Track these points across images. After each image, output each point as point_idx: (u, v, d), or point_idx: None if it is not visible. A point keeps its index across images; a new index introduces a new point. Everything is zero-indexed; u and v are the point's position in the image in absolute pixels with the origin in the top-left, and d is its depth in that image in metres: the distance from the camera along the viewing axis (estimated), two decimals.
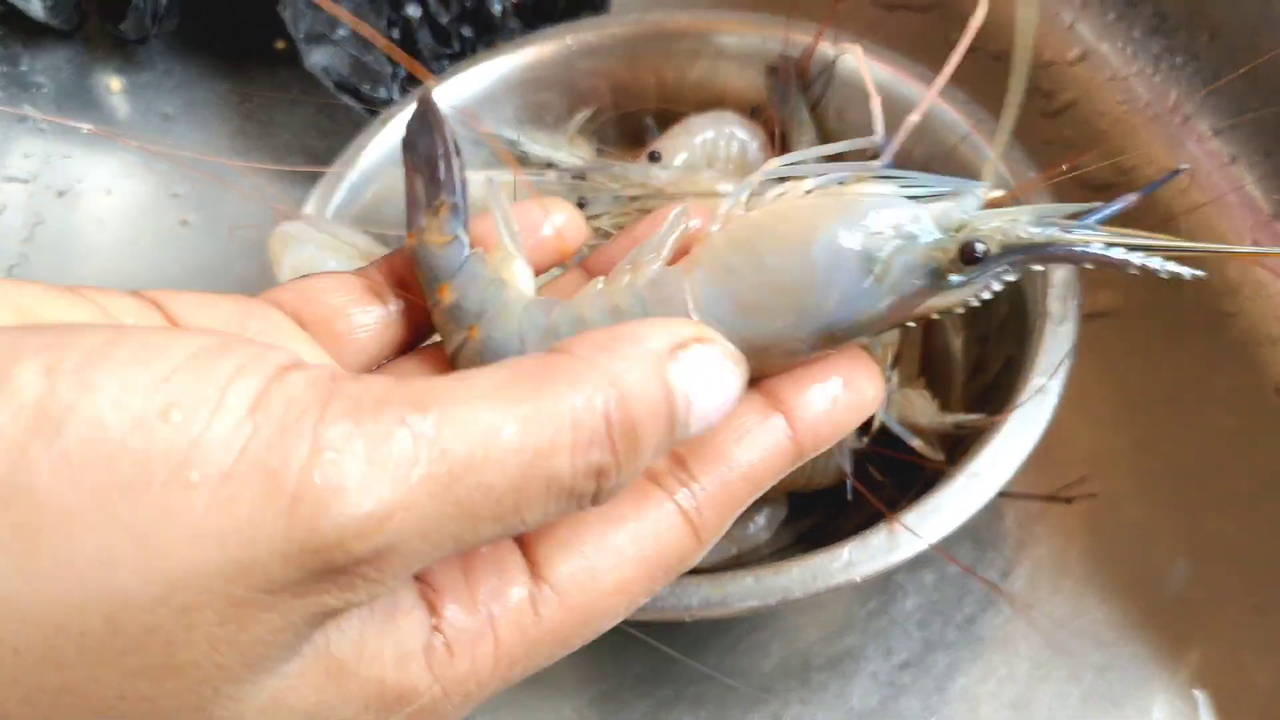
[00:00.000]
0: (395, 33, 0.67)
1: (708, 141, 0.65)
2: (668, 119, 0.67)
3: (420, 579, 0.28)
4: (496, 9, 0.68)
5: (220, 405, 0.22)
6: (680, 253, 0.35)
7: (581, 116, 0.67)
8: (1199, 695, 0.55)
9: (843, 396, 0.33)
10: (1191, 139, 0.71)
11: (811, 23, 0.65)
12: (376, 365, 0.36)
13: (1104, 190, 0.72)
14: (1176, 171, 0.38)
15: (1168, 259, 0.31)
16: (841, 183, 0.34)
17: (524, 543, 0.30)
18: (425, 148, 0.36)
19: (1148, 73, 0.74)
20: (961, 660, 0.56)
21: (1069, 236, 0.31)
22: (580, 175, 0.61)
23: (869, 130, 0.64)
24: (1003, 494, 0.58)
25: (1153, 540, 0.59)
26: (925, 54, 0.80)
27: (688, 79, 0.68)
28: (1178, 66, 0.72)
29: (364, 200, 0.60)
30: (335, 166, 0.60)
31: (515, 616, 0.28)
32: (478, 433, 0.24)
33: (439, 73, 0.65)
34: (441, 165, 0.35)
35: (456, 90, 0.64)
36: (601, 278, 0.35)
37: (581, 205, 0.60)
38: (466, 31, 0.68)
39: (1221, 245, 0.35)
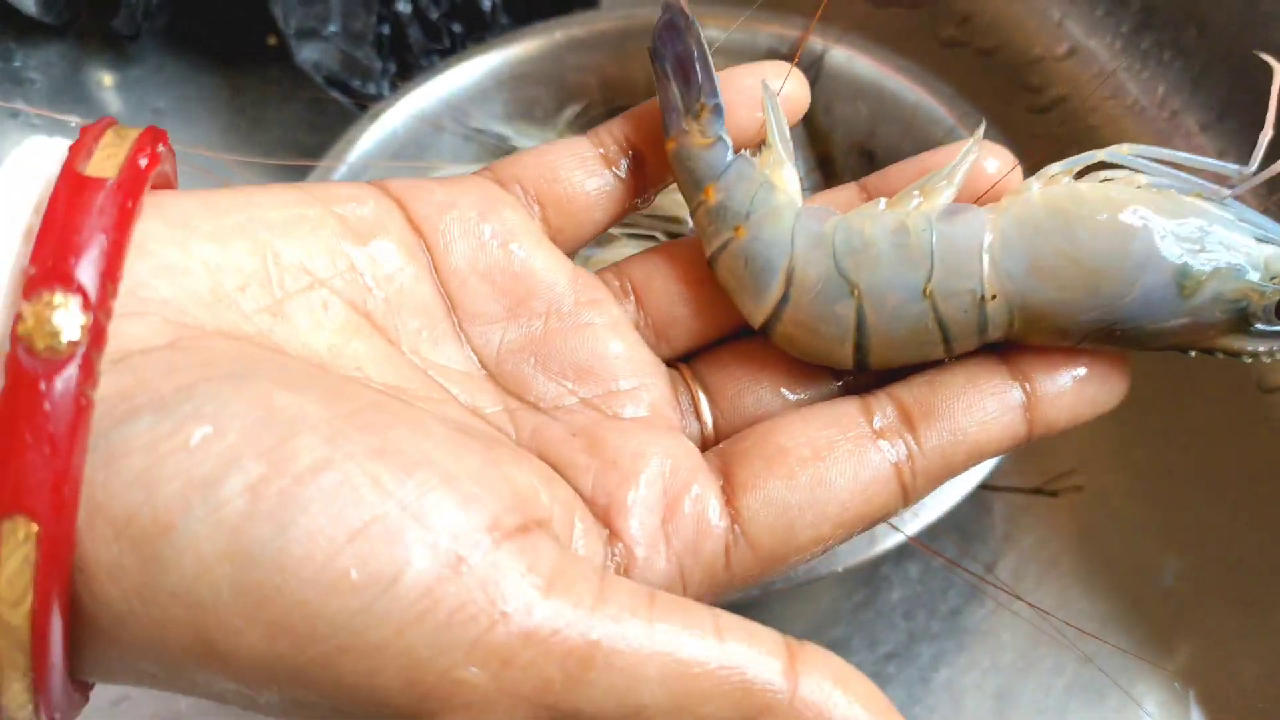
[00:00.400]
0: (385, 28, 0.67)
1: None
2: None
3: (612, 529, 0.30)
4: (486, 5, 0.68)
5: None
6: (970, 191, 0.35)
7: (571, 111, 0.67)
8: (1184, 688, 0.55)
9: (1090, 389, 0.32)
10: (1179, 134, 0.71)
11: (801, 17, 0.65)
12: (603, 229, 0.36)
13: None
14: None
15: None
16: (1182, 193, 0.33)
17: (727, 485, 0.31)
18: (678, 52, 0.34)
19: (1136, 68, 0.74)
20: (946, 652, 0.56)
21: None
22: None
23: (857, 125, 0.65)
24: (988, 487, 0.59)
25: (1139, 534, 0.60)
26: (915, 51, 0.80)
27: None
28: (1165, 62, 0.72)
29: None
30: (325, 160, 0.60)
31: (707, 568, 0.30)
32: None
33: (428, 68, 0.65)
34: (699, 68, 0.34)
35: (445, 86, 0.64)
36: (884, 198, 0.35)
37: None
38: (457, 27, 0.68)
39: None
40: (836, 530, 0.31)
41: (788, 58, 0.65)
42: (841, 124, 0.66)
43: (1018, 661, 0.55)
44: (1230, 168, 0.34)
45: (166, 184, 0.30)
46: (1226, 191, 0.33)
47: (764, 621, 0.29)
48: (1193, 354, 0.33)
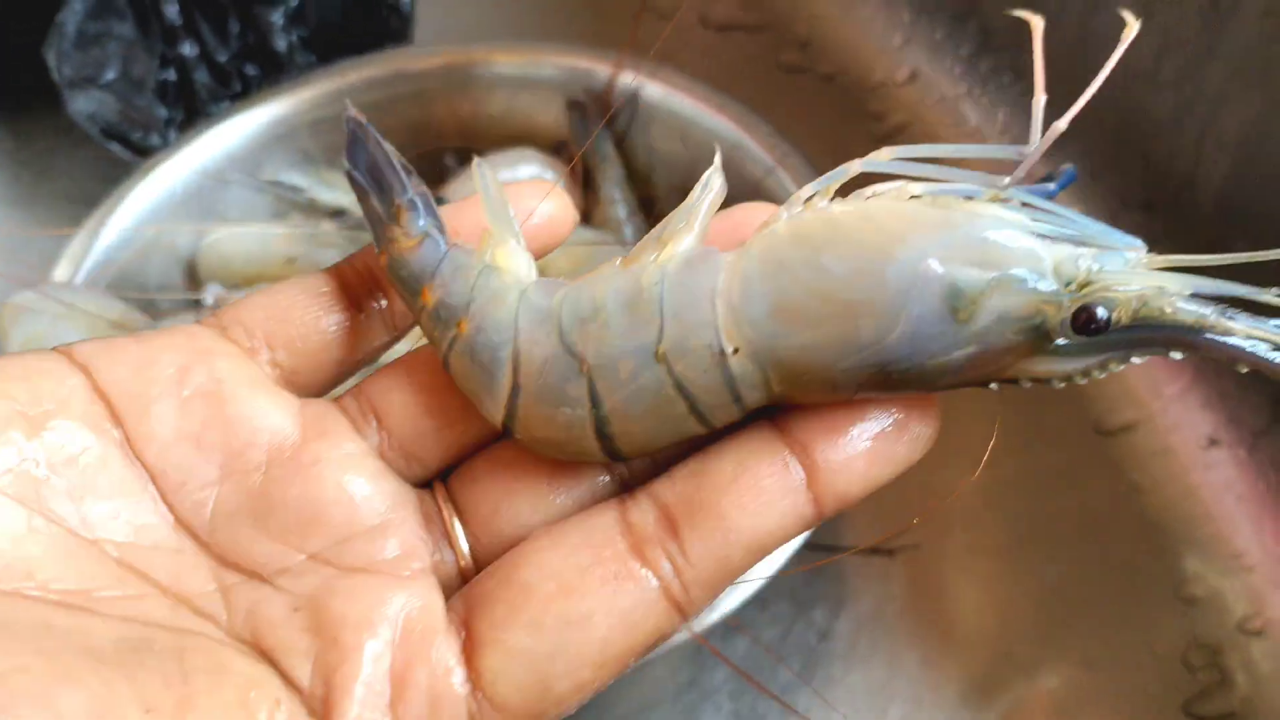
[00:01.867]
0: (170, 73, 0.62)
1: (505, 181, 0.61)
2: (470, 156, 0.63)
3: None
4: (281, 44, 0.63)
5: None
6: (727, 235, 0.29)
7: None
8: None
9: (885, 445, 0.27)
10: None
11: (612, 51, 0.62)
12: (354, 369, 0.32)
13: None
14: None
15: None
16: (967, 198, 0.27)
17: (468, 640, 0.27)
18: (364, 164, 0.31)
19: (976, 93, 0.71)
20: None
21: (1232, 325, 0.24)
22: (361, 226, 0.56)
23: (678, 165, 0.61)
24: (818, 547, 0.56)
25: (978, 591, 0.57)
26: (758, 77, 0.77)
27: (487, 114, 0.64)
28: (1005, 85, 0.70)
29: (124, 260, 0.56)
30: (87, 225, 0.55)
31: None
32: None
33: (216, 115, 0.61)
34: (385, 171, 0.31)
35: (230, 135, 0.59)
36: (621, 257, 0.30)
37: None
38: (250, 70, 0.64)
39: None
40: (600, 672, 0.26)
41: (602, 94, 0.62)
42: (661, 164, 0.62)
43: None
44: (1009, 150, 0.28)
45: None
46: (1006, 180, 0.28)
47: (587, 706, 0.26)
48: (994, 387, 0.27)
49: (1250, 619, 0.54)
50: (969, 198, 0.27)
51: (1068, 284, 0.25)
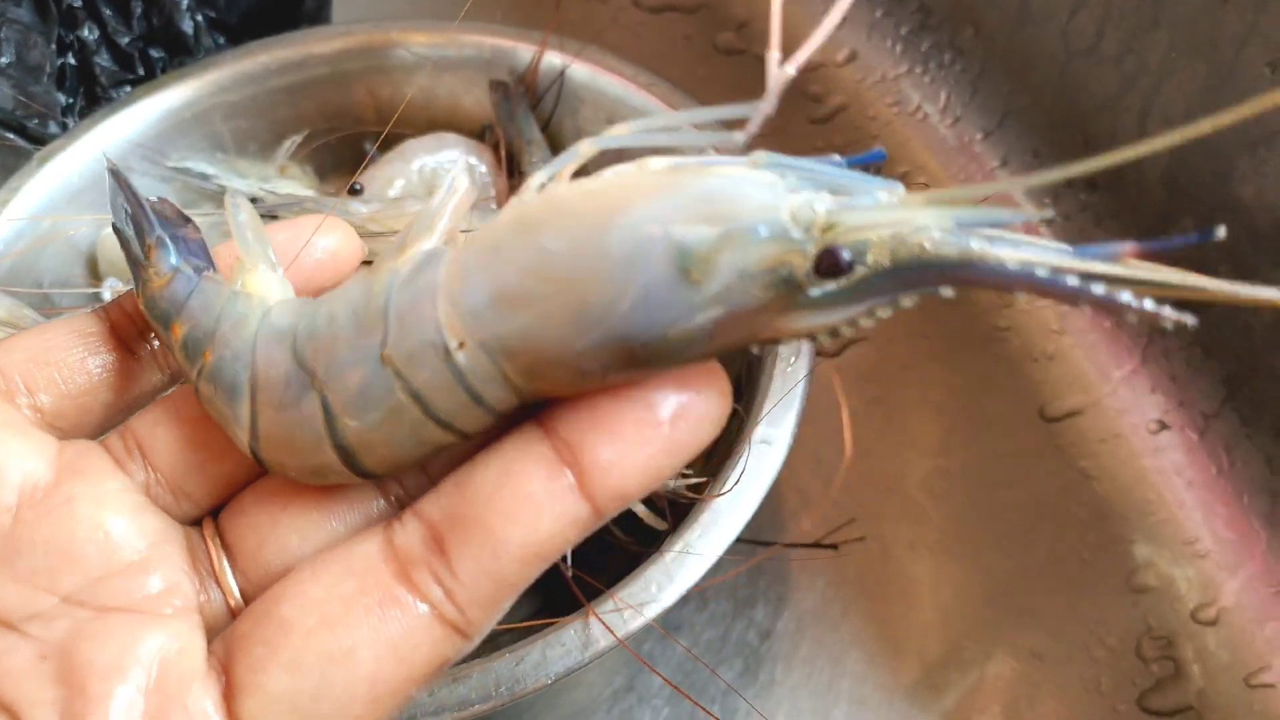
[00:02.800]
0: (70, 58, 0.59)
1: (426, 167, 0.58)
2: (391, 141, 0.60)
3: None
4: (188, 26, 0.60)
5: None
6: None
7: (290, 143, 0.60)
8: None
9: (662, 432, 0.24)
10: (962, 142, 0.67)
11: (539, 31, 0.59)
12: (126, 412, 0.31)
13: None
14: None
15: (1160, 300, 0.21)
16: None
17: (228, 684, 0.25)
18: (120, 211, 0.31)
19: (917, 72, 0.69)
20: None
21: (999, 253, 0.22)
22: (271, 214, 0.53)
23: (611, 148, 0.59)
24: (761, 543, 0.53)
25: (924, 583, 0.54)
26: (693, 58, 0.75)
27: (407, 97, 0.61)
28: (946, 64, 0.68)
29: (17, 254, 0.52)
30: None
31: None
32: None
33: (118, 100, 0.57)
34: (140, 213, 0.30)
35: (133, 120, 0.56)
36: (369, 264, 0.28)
37: None
38: (156, 53, 0.60)
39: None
40: (375, 708, 0.25)
41: (526, 75, 0.59)
42: None
43: None
44: (744, 108, 0.26)
45: None
46: (740, 136, 0.25)
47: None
48: (756, 350, 0.25)
49: (1203, 608, 0.53)
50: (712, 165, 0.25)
51: (808, 229, 0.23)
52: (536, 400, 0.25)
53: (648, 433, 0.24)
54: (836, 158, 0.25)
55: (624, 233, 0.23)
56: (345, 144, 0.62)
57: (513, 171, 0.59)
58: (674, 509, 0.45)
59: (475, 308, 0.24)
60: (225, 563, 0.28)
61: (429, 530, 0.25)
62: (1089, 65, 0.58)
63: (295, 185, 0.59)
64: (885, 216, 0.23)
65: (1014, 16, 0.63)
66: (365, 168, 0.58)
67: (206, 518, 0.29)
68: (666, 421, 0.24)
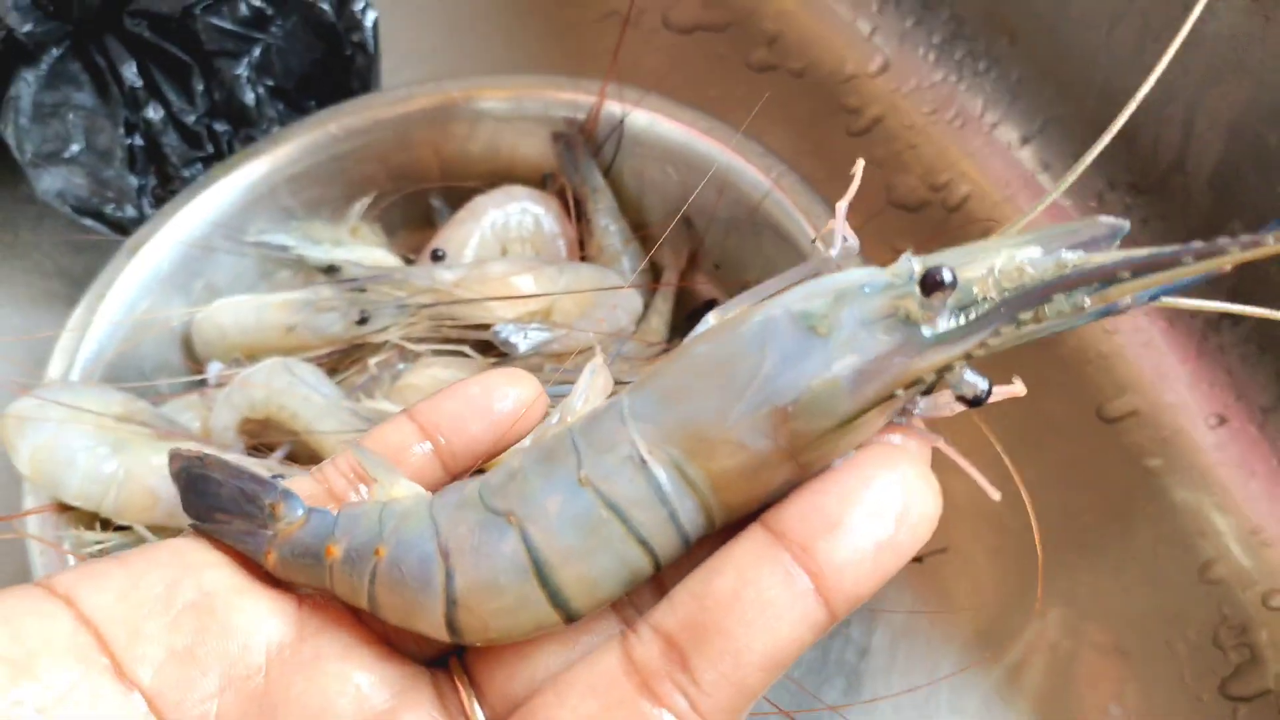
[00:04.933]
0: (137, 139, 0.60)
1: (496, 223, 0.60)
2: (456, 195, 0.62)
3: None
4: (250, 98, 0.61)
5: None
6: None
7: (360, 206, 0.61)
8: None
9: (885, 532, 0.25)
10: (1001, 148, 0.69)
11: (595, 80, 0.60)
12: None
13: (918, 210, 0.69)
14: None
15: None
16: None
17: None
18: (214, 495, 0.31)
19: (952, 80, 0.71)
20: None
21: (1085, 259, 0.25)
22: (360, 288, 0.55)
23: (669, 190, 0.60)
24: None
25: (1005, 591, 0.57)
26: (727, 78, 0.76)
27: (470, 151, 0.62)
28: (981, 73, 0.69)
29: (117, 346, 0.54)
30: (76, 316, 0.53)
31: None
32: None
33: (191, 180, 0.59)
34: (240, 489, 0.31)
35: (211, 203, 0.57)
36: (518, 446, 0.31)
37: (364, 320, 0.55)
38: (220, 126, 0.61)
39: None
40: None
41: (586, 123, 0.61)
42: (652, 189, 0.61)
43: None
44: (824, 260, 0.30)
45: None
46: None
47: None
48: (899, 394, 0.26)
49: (1274, 593, 0.55)
50: None
51: (909, 279, 0.26)
52: (725, 522, 0.27)
53: (878, 533, 0.25)
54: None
55: (756, 321, 0.27)
56: (411, 201, 0.63)
57: (579, 217, 0.61)
58: None
59: (649, 414, 0.27)
60: (474, 701, 0.29)
61: (667, 641, 0.25)
62: (1130, 75, 0.60)
63: (368, 245, 0.60)
64: (981, 252, 0.26)
65: (1051, 25, 0.64)
66: (441, 229, 0.59)
67: (452, 657, 0.30)
68: (891, 523, 0.25)
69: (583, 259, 0.61)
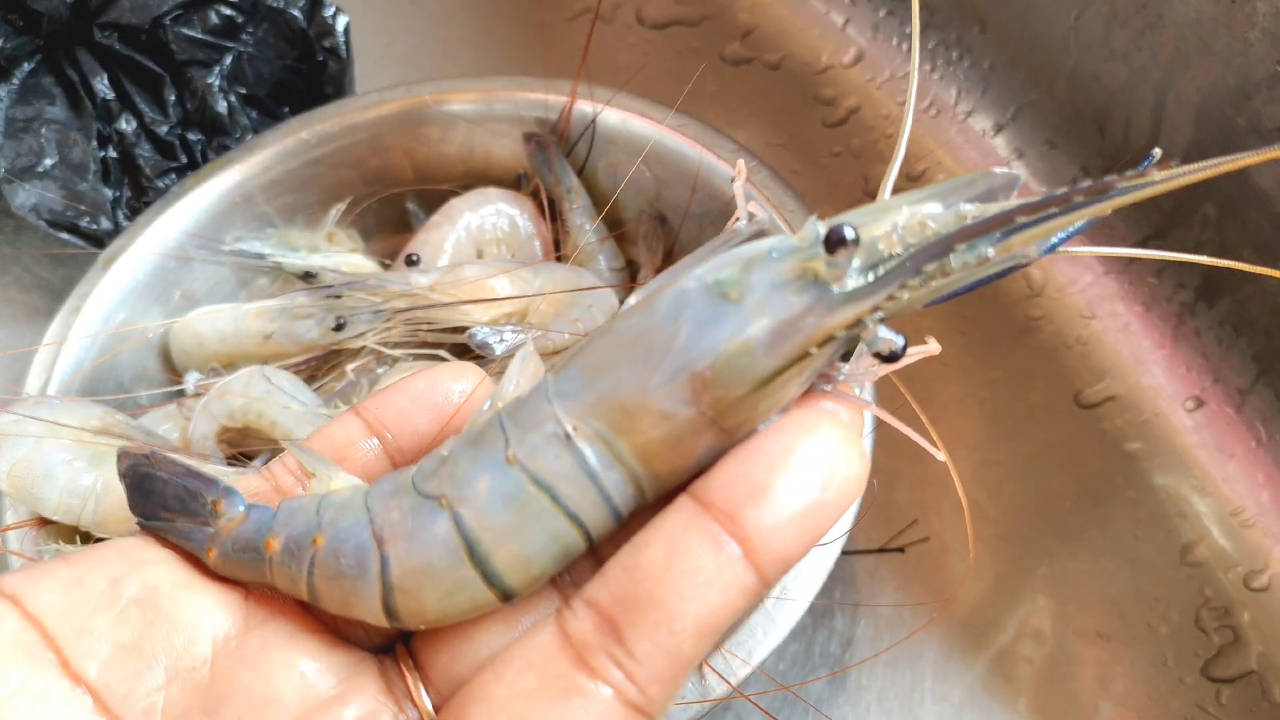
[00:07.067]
0: (110, 151, 0.60)
1: (472, 225, 0.60)
2: (431, 198, 0.62)
3: None
4: (222, 107, 0.61)
5: None
6: None
7: (336, 211, 0.61)
8: None
9: (811, 494, 0.25)
10: (975, 136, 0.69)
11: (566, 80, 0.60)
12: None
13: None
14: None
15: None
16: None
17: None
18: (159, 493, 0.32)
19: (925, 69, 0.71)
20: None
21: (985, 207, 0.26)
22: (336, 294, 0.55)
23: (643, 187, 0.61)
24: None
25: (987, 578, 0.57)
26: (703, 72, 0.76)
27: (444, 154, 0.62)
28: (954, 62, 0.69)
29: (95, 358, 0.54)
30: (52, 330, 0.53)
31: None
32: None
33: (165, 191, 0.59)
34: (184, 487, 0.31)
35: (185, 214, 0.57)
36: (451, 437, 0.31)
37: (340, 326, 0.55)
38: (193, 136, 0.61)
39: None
40: None
41: (558, 124, 0.61)
42: (626, 187, 0.61)
43: None
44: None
45: None
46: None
47: None
48: (814, 351, 0.26)
49: (1255, 574, 0.56)
50: None
51: (814, 241, 0.26)
52: (657, 494, 0.28)
53: (804, 497, 0.25)
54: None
55: (670, 293, 0.27)
56: (386, 205, 0.63)
57: (554, 218, 0.61)
58: None
59: (573, 390, 0.28)
60: (420, 684, 0.29)
61: (601, 614, 0.26)
62: (1099, 60, 0.60)
63: (344, 251, 0.60)
64: (884, 210, 0.27)
65: (1020, 12, 0.64)
66: (417, 231, 0.60)
67: (399, 643, 0.30)
68: (817, 485, 0.25)
69: (559, 259, 0.61)
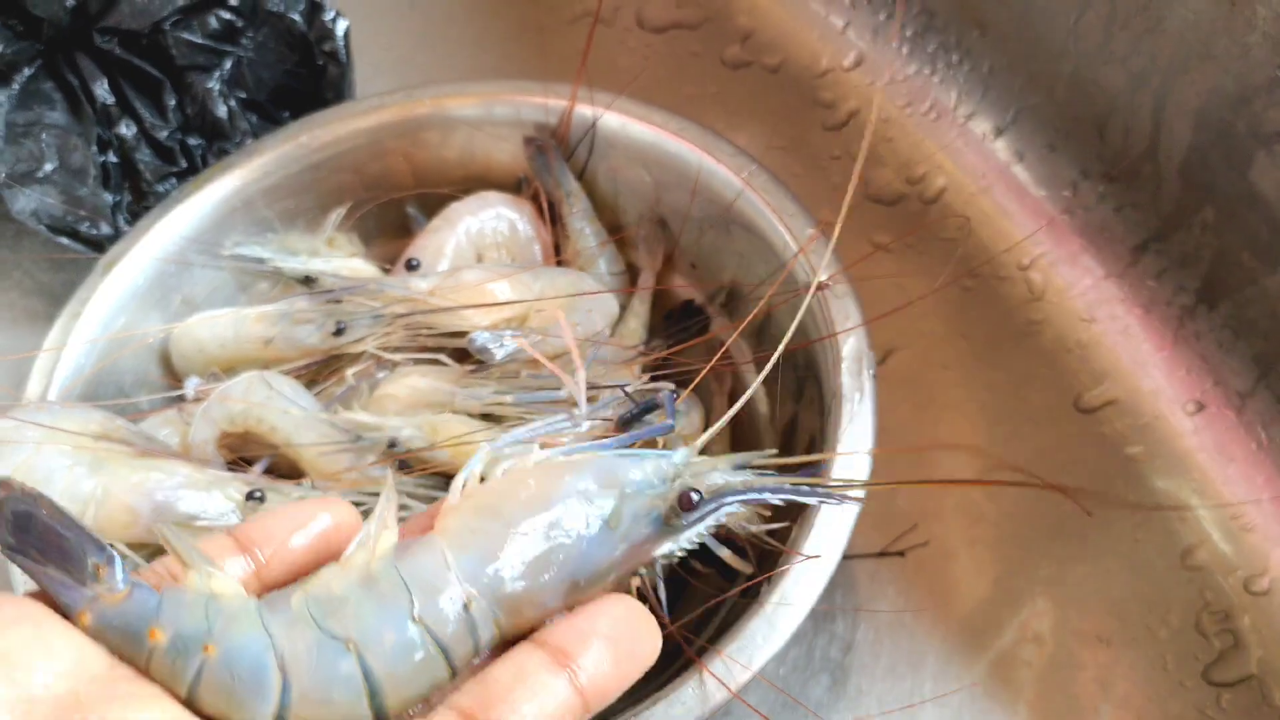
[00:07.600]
0: (111, 156, 0.60)
1: (472, 229, 0.60)
2: (431, 202, 0.62)
3: None
4: (222, 111, 0.61)
5: None
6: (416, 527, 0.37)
7: (336, 216, 0.61)
8: None
9: (624, 650, 0.34)
10: (975, 140, 0.69)
11: (566, 84, 0.60)
12: None
13: (895, 204, 0.69)
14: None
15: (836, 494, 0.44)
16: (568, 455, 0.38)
17: None
18: (39, 536, 0.32)
19: (926, 72, 0.71)
20: None
21: (761, 481, 0.38)
22: (336, 299, 0.55)
23: (643, 191, 0.61)
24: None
25: (987, 581, 0.58)
26: (702, 74, 0.76)
27: (444, 158, 0.62)
28: (954, 65, 0.69)
29: (96, 363, 0.54)
30: (52, 335, 0.53)
31: None
32: None
33: (165, 195, 0.59)
34: (70, 536, 0.32)
35: (184, 219, 0.57)
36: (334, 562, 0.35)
37: (340, 331, 0.55)
38: (193, 141, 0.62)
39: (894, 480, 0.52)
40: None
41: (558, 128, 0.61)
42: (626, 191, 0.61)
43: None
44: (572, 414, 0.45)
45: None
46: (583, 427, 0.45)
47: None
48: (637, 579, 0.38)
49: (1256, 578, 0.56)
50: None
51: (662, 480, 0.38)
52: (512, 639, 0.35)
53: (615, 638, 0.34)
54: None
55: (564, 507, 0.36)
56: (387, 209, 0.63)
57: (554, 221, 0.61)
58: (766, 556, 0.48)
59: (476, 576, 0.35)
60: None
61: (463, 715, 0.32)
62: (1099, 64, 0.60)
63: (344, 255, 0.60)
64: (704, 464, 0.39)
65: (1020, 15, 0.64)
66: (418, 235, 0.60)
67: None
68: (631, 647, 0.35)
69: (559, 263, 0.61)
